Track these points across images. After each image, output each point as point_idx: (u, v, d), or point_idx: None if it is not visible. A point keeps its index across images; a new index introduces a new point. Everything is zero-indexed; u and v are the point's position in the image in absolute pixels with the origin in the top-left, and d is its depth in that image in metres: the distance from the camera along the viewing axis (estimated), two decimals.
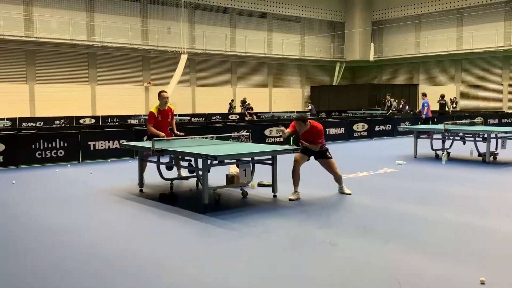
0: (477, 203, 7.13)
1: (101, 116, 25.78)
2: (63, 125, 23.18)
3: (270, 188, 7.63)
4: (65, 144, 11.96)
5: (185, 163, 8.05)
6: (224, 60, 32.59)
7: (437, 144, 12.67)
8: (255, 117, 26.90)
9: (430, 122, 18.92)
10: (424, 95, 19.68)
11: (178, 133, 9.21)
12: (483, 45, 31.65)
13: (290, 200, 7.27)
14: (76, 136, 12.30)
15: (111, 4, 28.01)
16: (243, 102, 30.11)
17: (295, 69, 36.81)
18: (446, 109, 22.09)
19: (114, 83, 28.32)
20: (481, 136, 11.52)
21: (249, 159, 7.35)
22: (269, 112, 31.24)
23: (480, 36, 31.80)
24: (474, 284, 3.97)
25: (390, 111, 26.38)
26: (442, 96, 21.78)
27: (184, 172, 8.90)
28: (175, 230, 5.81)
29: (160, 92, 8.93)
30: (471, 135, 11.90)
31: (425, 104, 18.93)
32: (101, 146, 12.45)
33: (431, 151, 12.58)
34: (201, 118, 27.52)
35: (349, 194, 7.72)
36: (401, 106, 29.62)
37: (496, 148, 11.64)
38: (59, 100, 26.32)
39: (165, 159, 8.36)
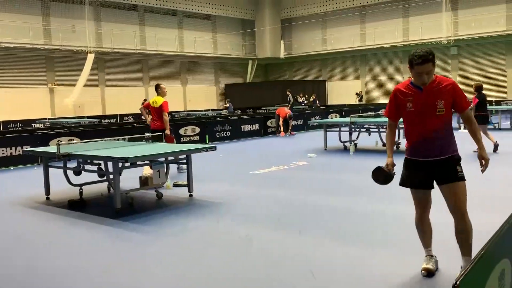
0: (385, 191, 7.52)
1: (2, 121, 24.05)
2: None
3: (186, 188, 7.56)
4: None
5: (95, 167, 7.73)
6: (134, 58, 31.70)
7: (345, 136, 13.26)
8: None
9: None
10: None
11: None
12: (385, 41, 33.56)
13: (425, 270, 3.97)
14: None
15: (8, 2, 26.15)
16: None
17: (209, 67, 36.71)
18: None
19: (15, 85, 26.49)
20: (384, 127, 12.19)
21: (163, 159, 7.22)
22: (184, 111, 30.93)
23: (381, 32, 33.68)
24: (390, 268, 4.20)
25: (289, 105, 25.91)
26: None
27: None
28: (85, 238, 5.56)
29: (159, 84, 9.79)
30: (376, 127, 12.60)
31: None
32: (3, 153, 11.62)
33: (339, 143, 13.14)
34: (112, 120, 26.62)
35: None
36: (311, 100, 30.64)
37: (399, 138, 12.38)
38: None
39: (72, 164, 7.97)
